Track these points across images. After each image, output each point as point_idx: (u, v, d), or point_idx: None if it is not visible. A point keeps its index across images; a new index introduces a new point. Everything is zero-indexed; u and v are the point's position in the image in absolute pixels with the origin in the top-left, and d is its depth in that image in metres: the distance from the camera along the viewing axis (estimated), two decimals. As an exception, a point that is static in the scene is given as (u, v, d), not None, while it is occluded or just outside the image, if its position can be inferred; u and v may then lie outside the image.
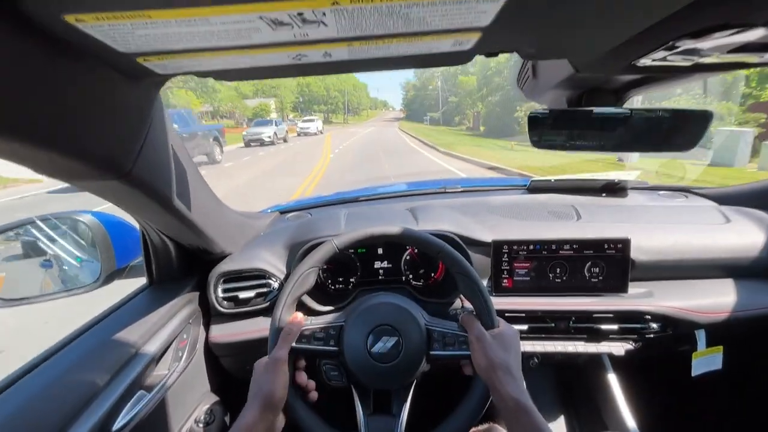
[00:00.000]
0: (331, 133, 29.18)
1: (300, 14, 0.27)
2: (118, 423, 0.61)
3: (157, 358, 0.74)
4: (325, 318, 0.74)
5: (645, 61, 0.46)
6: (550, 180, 1.33)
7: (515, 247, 0.95)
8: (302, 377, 0.67)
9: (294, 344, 0.66)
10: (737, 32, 0.36)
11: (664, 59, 0.44)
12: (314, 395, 0.67)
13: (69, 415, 0.55)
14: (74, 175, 0.45)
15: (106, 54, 0.32)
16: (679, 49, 0.41)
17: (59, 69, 0.32)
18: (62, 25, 0.27)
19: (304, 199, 1.51)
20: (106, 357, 0.65)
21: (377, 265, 1.03)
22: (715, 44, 0.39)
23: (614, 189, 1.28)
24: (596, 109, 0.62)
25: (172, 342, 0.79)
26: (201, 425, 0.83)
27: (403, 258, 1.02)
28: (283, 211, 1.31)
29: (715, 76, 0.61)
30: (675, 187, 1.34)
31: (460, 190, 1.40)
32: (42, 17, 0.26)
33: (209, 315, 0.94)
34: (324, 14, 0.27)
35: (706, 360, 1.00)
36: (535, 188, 1.33)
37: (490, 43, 0.37)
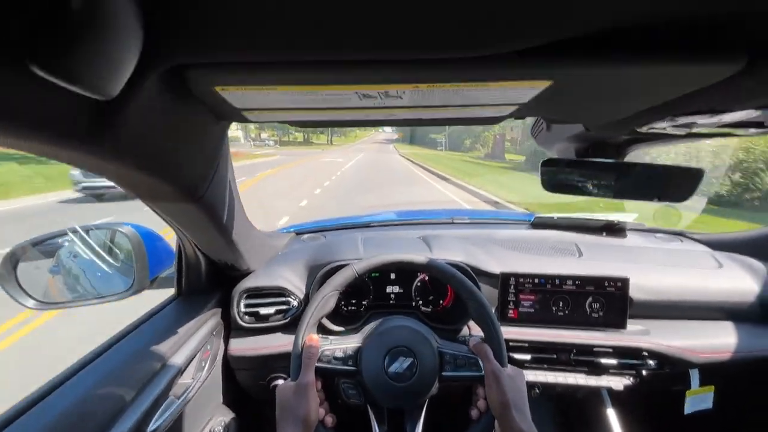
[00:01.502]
0: (280, 170, 15.16)
1: (386, 92, 0.35)
2: (152, 426, 0.65)
3: (184, 367, 0.78)
4: (341, 339, 0.78)
5: (647, 129, 0.54)
6: (553, 217, 1.40)
7: (522, 280, 1.01)
8: (321, 396, 0.70)
9: (316, 364, 0.70)
10: (724, 113, 0.44)
11: (663, 128, 0.52)
12: (330, 418, 0.69)
13: (108, 418, 0.59)
14: (161, 197, 0.51)
15: (221, 107, 0.40)
16: (677, 123, 0.49)
17: (181, 114, 0.40)
18: (209, 93, 0.34)
19: (318, 221, 1.57)
20: (141, 364, 0.70)
21: (389, 289, 1.08)
22: (704, 121, 0.47)
23: (614, 229, 1.36)
24: (603, 161, 0.70)
25: (197, 352, 0.83)
26: (216, 436, 0.86)
27: (414, 284, 1.08)
28: (299, 232, 1.37)
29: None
30: (671, 231, 1.42)
31: (467, 221, 1.47)
32: (198, 88, 0.34)
33: (230, 329, 0.98)
34: (404, 92, 0.35)
35: (698, 398, 1.04)
36: (539, 224, 1.40)
37: (522, 112, 0.45)
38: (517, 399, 0.65)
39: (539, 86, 0.34)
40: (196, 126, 0.45)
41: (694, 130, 0.53)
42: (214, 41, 0.27)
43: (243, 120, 0.46)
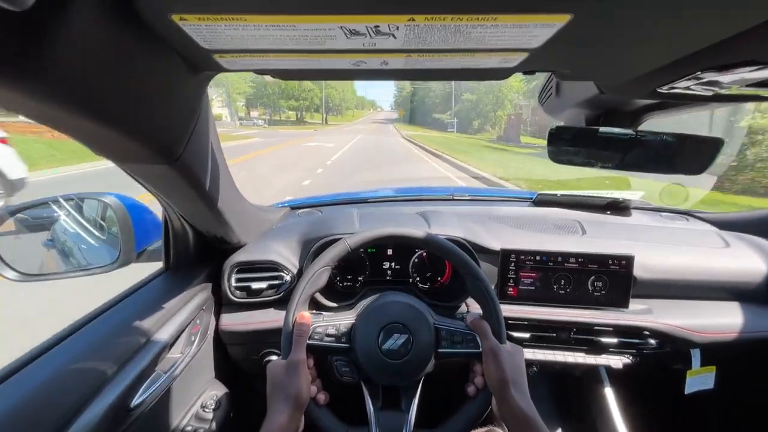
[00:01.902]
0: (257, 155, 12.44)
1: (376, 26, 0.30)
2: (136, 400, 0.63)
3: (171, 342, 0.76)
4: (335, 316, 0.76)
5: (668, 89, 0.49)
6: (556, 194, 1.36)
7: (522, 257, 0.98)
8: (313, 373, 0.68)
9: (307, 341, 0.68)
10: (760, 69, 0.39)
11: (686, 88, 0.47)
12: (323, 395, 0.68)
13: (90, 391, 0.57)
14: (131, 157, 0.47)
15: (187, 48, 0.35)
16: (702, 80, 0.44)
17: (141, 58, 0.35)
18: (165, 22, 0.29)
19: (314, 197, 1.53)
20: (125, 337, 0.67)
21: (386, 265, 1.06)
22: (736, 78, 0.42)
23: (618, 207, 1.32)
24: (615, 130, 0.65)
25: (186, 327, 0.81)
26: (208, 411, 0.85)
27: (412, 260, 1.05)
28: (294, 207, 1.33)
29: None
30: (677, 210, 1.38)
31: (467, 198, 1.43)
32: (150, 15, 0.29)
33: (220, 303, 0.96)
34: (397, 28, 0.30)
35: (700, 379, 1.03)
36: (541, 201, 1.36)
37: (533, 63, 0.40)
38: (515, 376, 0.63)
39: (556, 22, 0.29)
40: (165, 75, 0.40)
41: (722, 90, 0.48)
42: None
43: (217, 68, 0.41)
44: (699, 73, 0.42)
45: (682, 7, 0.29)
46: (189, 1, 0.26)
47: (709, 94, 0.49)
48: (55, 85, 0.28)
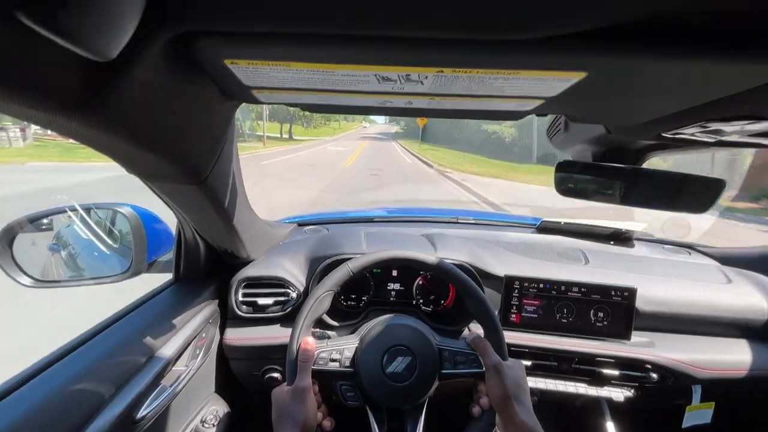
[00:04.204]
0: None
1: (407, 75, 0.32)
2: (141, 412, 0.64)
3: (178, 355, 0.76)
4: (338, 340, 0.77)
5: (673, 134, 0.51)
6: (559, 222, 1.38)
7: (526, 284, 0.99)
8: (318, 399, 0.68)
9: (312, 367, 0.69)
10: (760, 122, 0.41)
11: (691, 134, 0.50)
12: (329, 422, 0.67)
13: (99, 401, 0.58)
14: (161, 176, 0.49)
15: (229, 84, 0.38)
16: (707, 129, 0.47)
17: (186, 91, 0.37)
18: (217, 66, 0.32)
19: (321, 213, 1.55)
20: (135, 349, 0.68)
21: (390, 286, 1.07)
22: (738, 129, 0.45)
23: (621, 238, 1.34)
24: (620, 167, 0.68)
25: (192, 340, 0.81)
26: (208, 426, 0.84)
27: (416, 282, 1.06)
28: (301, 224, 1.35)
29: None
30: (679, 243, 1.39)
31: (472, 221, 1.45)
32: (205, 60, 0.32)
33: (226, 317, 0.97)
34: (426, 77, 0.33)
35: (698, 414, 1.03)
36: (545, 228, 1.38)
37: (548, 108, 0.43)
38: (518, 391, 0.64)
39: (572, 78, 0.32)
40: (203, 105, 0.42)
41: (724, 138, 0.50)
42: (228, 8, 0.25)
43: (252, 100, 0.44)
44: (704, 122, 0.45)
45: (689, 68, 0.31)
46: (243, 51, 0.29)
47: (712, 140, 0.52)
48: (112, 119, 0.31)
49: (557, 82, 0.33)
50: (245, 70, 0.33)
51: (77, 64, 0.25)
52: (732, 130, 0.46)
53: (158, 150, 0.39)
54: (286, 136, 38.48)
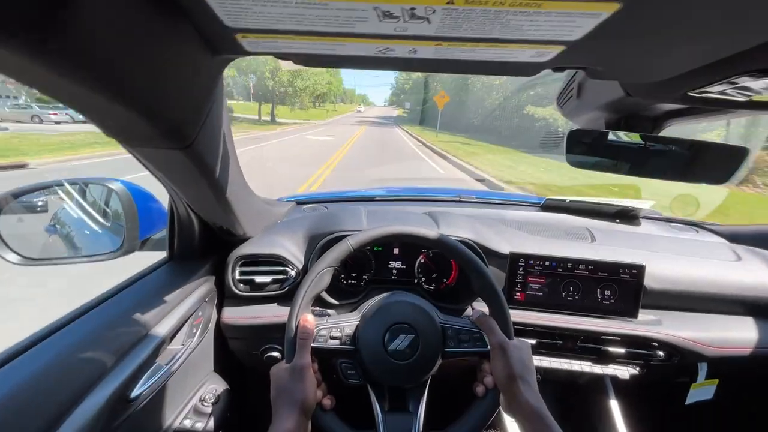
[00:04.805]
0: None
1: (412, 9, 0.28)
2: (136, 391, 0.62)
3: (173, 333, 0.74)
4: (339, 317, 0.75)
5: (699, 93, 0.47)
6: (565, 200, 1.34)
7: (531, 262, 0.97)
8: (318, 377, 0.67)
9: (312, 344, 0.67)
10: None
11: (720, 93, 0.46)
12: (329, 400, 0.66)
13: (90, 380, 0.56)
14: (143, 140, 0.45)
15: (209, 25, 0.33)
16: (737, 85, 0.43)
17: (161, 35, 0.33)
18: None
19: (320, 193, 1.52)
20: (128, 327, 0.66)
21: (391, 264, 1.04)
22: None
23: (628, 216, 1.30)
24: (636, 135, 0.64)
25: (188, 318, 0.79)
26: (207, 405, 0.83)
27: (418, 260, 1.03)
28: (300, 202, 1.32)
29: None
30: (686, 221, 1.36)
31: (475, 200, 1.41)
32: None
33: (223, 296, 0.95)
34: (434, 11, 0.28)
35: (702, 390, 1.02)
36: (550, 206, 1.35)
37: (567, 58, 0.39)
38: (523, 371, 0.62)
39: (602, 11, 0.28)
40: (185, 57, 0.38)
41: (757, 97, 0.46)
42: None
43: (238, 50, 0.40)
44: (735, 77, 0.41)
45: (733, 3, 0.27)
46: None
47: (742, 99, 0.48)
48: (74, 56, 0.27)
49: (585, 17, 0.29)
50: (223, 2, 0.29)
51: None
52: (764, 86, 0.42)
53: (133, 104, 0.35)
54: (266, 118, 31.50)
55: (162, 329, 0.70)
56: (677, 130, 0.73)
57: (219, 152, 0.59)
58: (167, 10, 0.31)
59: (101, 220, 0.89)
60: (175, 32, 0.34)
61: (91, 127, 0.44)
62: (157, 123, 0.40)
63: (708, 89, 0.46)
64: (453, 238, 0.92)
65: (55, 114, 18.77)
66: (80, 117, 0.37)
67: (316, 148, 12.79)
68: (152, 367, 0.67)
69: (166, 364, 0.71)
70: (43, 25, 0.23)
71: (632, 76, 0.48)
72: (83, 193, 0.89)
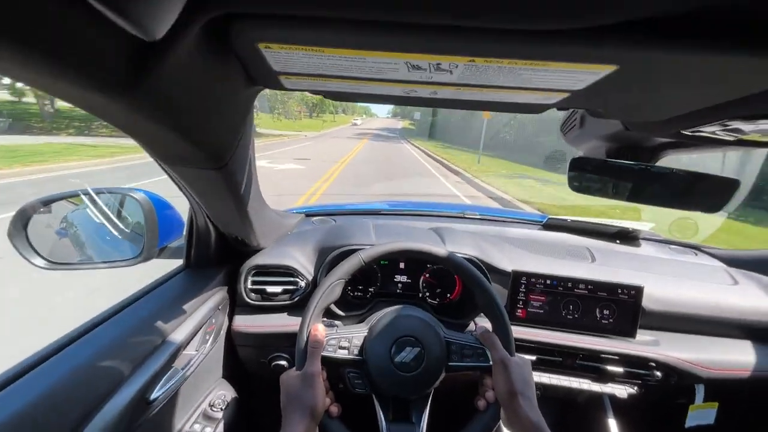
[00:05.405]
0: None
1: (438, 64, 0.32)
2: (155, 394, 0.65)
3: (188, 339, 0.77)
4: (347, 328, 0.78)
5: (693, 131, 0.51)
6: (566, 219, 1.38)
7: (533, 280, 1.00)
8: (327, 385, 0.69)
9: (322, 353, 0.70)
10: None
11: (711, 132, 0.50)
12: (336, 408, 0.68)
13: (113, 383, 0.59)
14: (183, 161, 0.49)
15: (257, 68, 0.38)
16: (728, 127, 0.47)
17: (217, 72, 0.37)
18: (250, 49, 0.32)
19: (328, 205, 1.55)
20: (148, 332, 0.69)
21: (397, 278, 1.07)
22: (760, 128, 0.45)
23: (627, 237, 1.34)
24: (635, 164, 0.68)
25: (202, 325, 0.82)
26: (216, 410, 0.86)
27: (423, 275, 1.06)
28: (309, 214, 1.36)
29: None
30: (686, 243, 1.40)
31: (478, 217, 1.45)
32: (238, 42, 0.32)
33: (234, 304, 0.98)
34: (456, 66, 0.33)
35: (701, 413, 1.04)
36: (551, 225, 1.38)
37: (571, 102, 0.43)
38: (524, 387, 0.65)
39: (601, 71, 0.32)
40: (229, 89, 0.42)
41: (745, 137, 0.50)
42: None
43: (277, 86, 0.44)
44: (726, 120, 0.45)
45: (719, 63, 0.31)
46: (278, 35, 0.29)
47: (732, 139, 0.52)
48: (150, 101, 0.31)
49: (586, 74, 0.33)
50: (277, 55, 0.33)
51: (123, 45, 0.25)
52: (753, 129, 0.46)
53: (186, 133, 0.40)
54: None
55: (179, 335, 0.73)
56: (674, 159, 0.77)
57: (246, 171, 0.64)
58: (225, 53, 0.35)
59: (122, 227, 0.92)
60: (227, 72, 0.38)
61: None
62: (199, 146, 0.45)
63: (700, 129, 0.50)
64: (459, 255, 0.96)
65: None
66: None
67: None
68: (169, 372, 0.70)
69: (182, 369, 0.74)
70: (129, 77, 0.27)
71: (630, 117, 0.52)
72: (106, 201, 0.93)
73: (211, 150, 0.47)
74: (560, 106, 0.46)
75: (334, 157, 12.91)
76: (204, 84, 0.37)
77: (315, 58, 0.33)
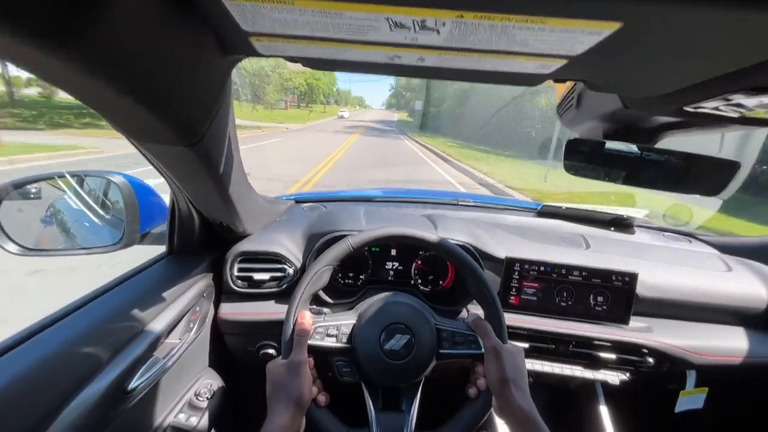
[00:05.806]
0: None
1: (423, 21, 0.29)
2: (133, 384, 0.62)
3: (171, 327, 0.75)
4: (336, 316, 0.76)
5: (694, 107, 0.49)
6: (560, 207, 1.36)
7: (526, 267, 0.98)
8: (314, 374, 0.68)
9: (309, 341, 0.68)
10: None
11: (713, 108, 0.47)
12: (323, 397, 0.67)
13: (88, 371, 0.56)
14: (152, 136, 0.46)
15: (225, 27, 0.34)
16: (731, 102, 0.44)
17: (177, 34, 0.34)
18: (215, 4, 0.28)
19: (319, 192, 1.52)
20: (126, 319, 0.66)
21: (389, 265, 1.05)
22: (765, 102, 0.42)
23: (622, 224, 1.33)
24: (633, 146, 0.65)
25: (185, 313, 0.80)
26: (202, 399, 0.84)
27: (415, 262, 1.04)
28: (299, 201, 1.33)
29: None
30: (680, 231, 1.39)
31: (472, 204, 1.43)
32: None
33: (221, 292, 0.95)
34: (443, 24, 0.30)
35: (691, 399, 1.04)
36: (545, 213, 1.37)
37: (569, 71, 0.40)
38: (516, 375, 0.63)
39: (603, 30, 0.29)
40: (199, 56, 0.39)
41: (750, 113, 0.48)
42: None
43: (251, 51, 0.41)
44: (729, 94, 0.42)
45: (730, 24, 0.29)
46: None
47: (735, 115, 0.49)
48: (94, 54, 0.27)
49: (587, 35, 0.30)
50: (242, 8, 0.30)
51: None
52: (757, 103, 0.43)
53: (146, 101, 0.36)
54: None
55: (160, 323, 0.71)
56: (673, 141, 0.75)
57: (224, 150, 0.60)
58: (185, 11, 0.32)
59: (101, 212, 0.89)
60: (191, 33, 0.35)
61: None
62: (168, 120, 0.41)
63: (703, 104, 0.47)
64: (451, 241, 0.93)
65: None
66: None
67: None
68: (149, 361, 0.67)
69: (163, 358, 0.71)
70: (65, 24, 0.24)
71: (630, 90, 0.49)
72: (82, 185, 0.89)
73: (181, 123, 0.44)
74: (557, 76, 0.43)
75: (308, 164, 8.94)
76: (167, 46, 0.33)
77: (285, 13, 0.29)
